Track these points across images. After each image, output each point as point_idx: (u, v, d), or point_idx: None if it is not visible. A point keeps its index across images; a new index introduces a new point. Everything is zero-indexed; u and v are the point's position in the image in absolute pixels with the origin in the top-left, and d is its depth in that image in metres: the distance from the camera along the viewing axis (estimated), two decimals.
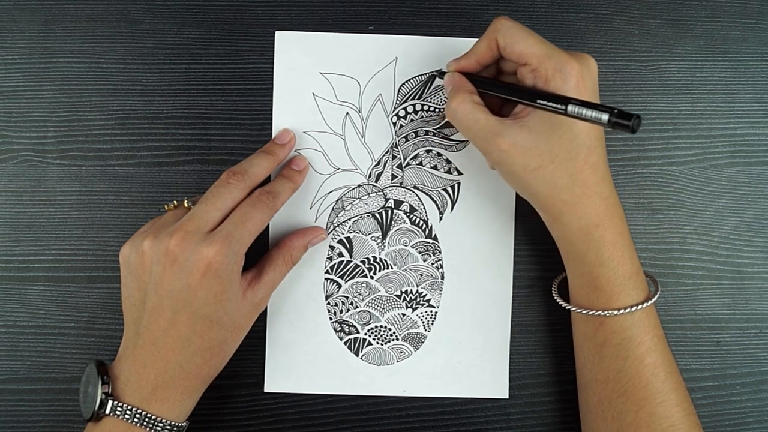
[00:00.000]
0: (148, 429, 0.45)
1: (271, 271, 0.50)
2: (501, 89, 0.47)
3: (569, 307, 0.50)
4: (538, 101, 0.44)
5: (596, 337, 0.48)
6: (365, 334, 0.54)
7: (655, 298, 0.47)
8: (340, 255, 0.54)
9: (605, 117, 0.39)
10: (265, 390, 0.54)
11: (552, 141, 0.45)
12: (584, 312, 0.48)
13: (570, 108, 0.41)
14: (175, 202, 0.50)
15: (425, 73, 0.54)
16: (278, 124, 0.54)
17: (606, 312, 0.47)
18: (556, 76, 0.44)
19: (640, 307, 0.46)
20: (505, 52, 0.46)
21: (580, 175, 0.45)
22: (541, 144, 0.45)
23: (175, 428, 0.46)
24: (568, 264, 0.49)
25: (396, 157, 0.54)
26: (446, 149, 0.54)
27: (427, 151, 0.54)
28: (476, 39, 0.54)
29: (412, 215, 0.54)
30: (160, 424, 0.45)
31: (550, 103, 0.43)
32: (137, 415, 0.45)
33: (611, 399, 0.47)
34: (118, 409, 0.44)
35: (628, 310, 0.46)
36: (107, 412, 0.44)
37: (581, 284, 0.48)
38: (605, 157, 0.47)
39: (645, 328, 0.47)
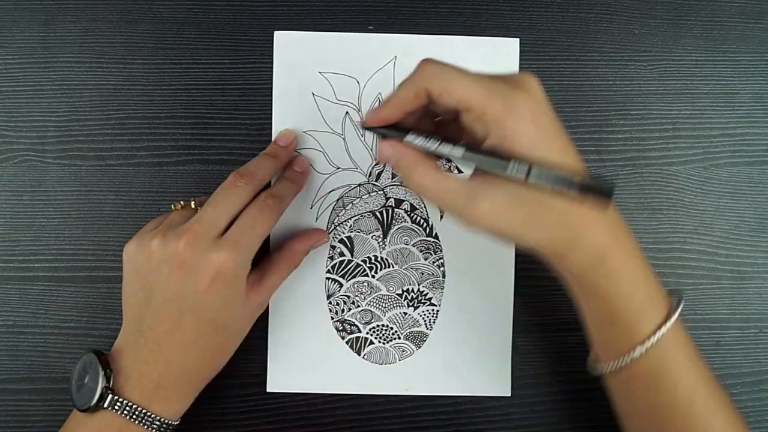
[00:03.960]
0: (144, 426, 0.45)
1: (273, 275, 0.50)
2: (468, 157, 0.41)
3: (598, 372, 0.46)
4: (508, 173, 0.39)
5: (622, 372, 0.44)
6: (367, 333, 0.54)
7: (678, 312, 0.43)
8: (341, 254, 0.54)
9: (578, 191, 0.35)
10: (268, 390, 0.53)
11: (531, 188, 0.40)
12: (611, 365, 0.44)
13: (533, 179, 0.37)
14: (182, 202, 0.50)
15: None
16: (278, 123, 0.54)
17: (631, 354, 0.42)
18: (507, 118, 0.39)
19: (663, 329, 0.42)
20: (441, 99, 0.40)
21: (571, 209, 0.40)
22: (520, 194, 0.40)
23: (170, 427, 0.46)
24: (581, 302, 0.45)
25: None
26: None
27: None
28: (475, 38, 0.54)
29: (412, 214, 0.54)
30: (157, 422, 0.45)
31: (517, 175, 0.39)
32: (136, 412, 0.44)
33: (651, 430, 0.44)
34: (118, 404, 0.44)
35: (653, 338, 0.42)
36: (105, 405, 0.44)
37: (598, 322, 0.44)
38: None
39: (674, 351, 0.43)
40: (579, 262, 0.42)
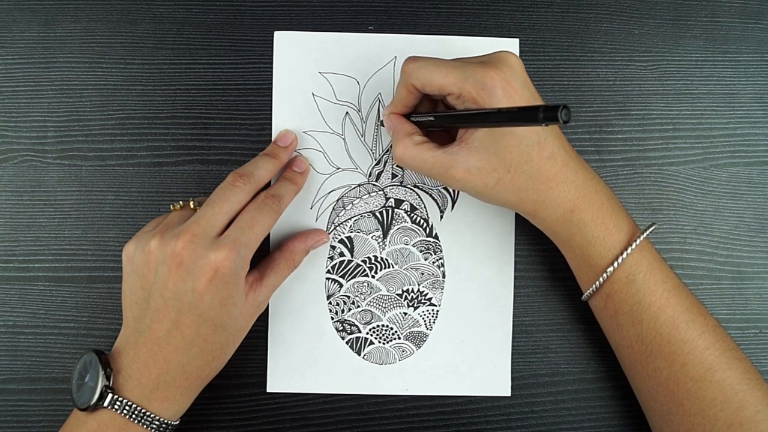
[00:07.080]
0: (143, 426, 0.45)
1: (273, 275, 0.50)
2: (438, 121, 0.48)
3: (583, 297, 0.50)
4: (475, 122, 0.44)
5: (608, 309, 0.49)
6: (367, 333, 0.54)
7: (646, 233, 0.47)
8: (341, 254, 0.54)
9: (536, 117, 0.37)
10: (268, 390, 0.54)
11: (501, 153, 0.45)
12: (589, 292, 0.49)
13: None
14: (180, 202, 0.50)
15: None
16: (278, 124, 0.54)
17: (604, 275, 0.47)
18: (482, 95, 0.44)
19: (629, 249, 0.47)
20: (425, 90, 0.47)
21: (539, 172, 0.46)
22: (492, 160, 0.45)
23: (169, 427, 0.46)
24: (561, 249, 0.50)
25: None
26: None
27: None
28: (475, 38, 0.54)
29: (412, 214, 0.54)
30: (156, 422, 0.45)
31: (485, 122, 0.43)
32: (135, 412, 0.45)
33: (641, 360, 0.48)
34: (117, 403, 0.44)
35: (621, 256, 0.46)
36: (105, 404, 0.44)
37: (578, 265, 0.49)
38: (561, 141, 0.47)
39: (651, 287, 0.47)
40: (549, 217, 0.47)
